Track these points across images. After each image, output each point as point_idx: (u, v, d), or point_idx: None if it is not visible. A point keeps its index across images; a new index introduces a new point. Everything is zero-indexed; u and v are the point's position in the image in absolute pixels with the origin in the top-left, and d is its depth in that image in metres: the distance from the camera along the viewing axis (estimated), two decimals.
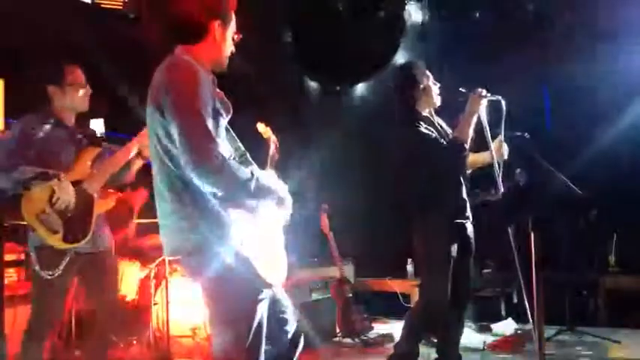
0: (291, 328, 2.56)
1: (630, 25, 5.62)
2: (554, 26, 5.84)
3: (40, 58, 4.95)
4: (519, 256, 3.35)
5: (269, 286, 2.38)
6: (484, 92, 3.60)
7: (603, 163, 5.60)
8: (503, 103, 3.53)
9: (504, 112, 3.53)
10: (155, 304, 4.73)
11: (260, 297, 2.35)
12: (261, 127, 2.97)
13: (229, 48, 2.50)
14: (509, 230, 3.34)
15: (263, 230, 2.43)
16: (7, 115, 4.70)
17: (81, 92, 3.38)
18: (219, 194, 2.26)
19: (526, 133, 3.78)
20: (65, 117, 3.39)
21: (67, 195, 3.18)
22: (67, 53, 5.01)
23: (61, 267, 3.20)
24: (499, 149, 3.71)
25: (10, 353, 3.76)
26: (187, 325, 4.75)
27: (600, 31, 5.66)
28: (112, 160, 3.38)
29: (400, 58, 6.77)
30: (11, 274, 4.29)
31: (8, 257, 4.21)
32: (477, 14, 6.30)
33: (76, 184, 3.26)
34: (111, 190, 3.58)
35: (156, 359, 4.50)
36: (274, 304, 2.49)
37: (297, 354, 2.58)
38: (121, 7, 5.53)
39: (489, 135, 3.67)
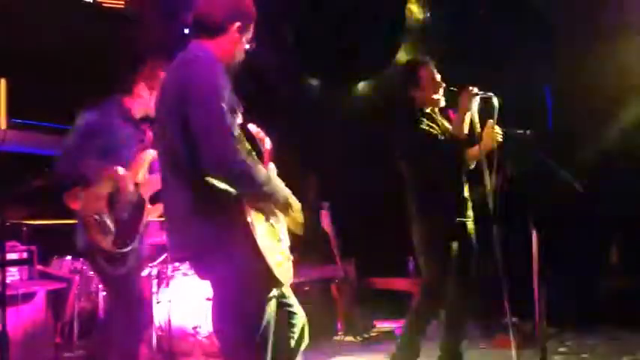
0: (298, 322, 2.59)
1: (633, 21, 5.62)
2: (557, 23, 5.83)
3: (42, 57, 4.98)
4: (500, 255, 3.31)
5: (281, 285, 2.40)
6: (475, 90, 3.60)
7: (606, 161, 5.59)
8: (494, 99, 3.52)
9: (496, 109, 3.51)
10: (158, 302, 4.74)
11: (270, 295, 2.37)
12: (252, 127, 2.90)
13: (241, 55, 2.52)
14: (494, 228, 3.30)
15: (273, 230, 2.46)
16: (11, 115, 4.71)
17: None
18: (236, 192, 2.27)
19: (528, 131, 3.77)
20: (136, 114, 3.35)
21: (128, 195, 3.13)
22: (68, 52, 5.04)
23: (128, 264, 3.14)
24: (491, 134, 3.64)
25: (12, 352, 3.76)
26: (189, 323, 4.75)
27: (603, 29, 5.65)
28: None
29: (402, 56, 6.76)
30: (13, 273, 4.29)
31: (10, 256, 4.21)
32: (479, 12, 6.29)
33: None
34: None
35: (158, 357, 4.51)
36: (281, 298, 2.51)
37: (303, 348, 2.61)
38: (122, 6, 5.53)
39: (480, 131, 3.66)
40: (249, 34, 2.52)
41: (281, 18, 6.48)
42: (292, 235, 2.62)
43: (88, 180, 3.08)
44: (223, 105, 2.22)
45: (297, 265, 2.58)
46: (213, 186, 2.26)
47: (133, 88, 3.33)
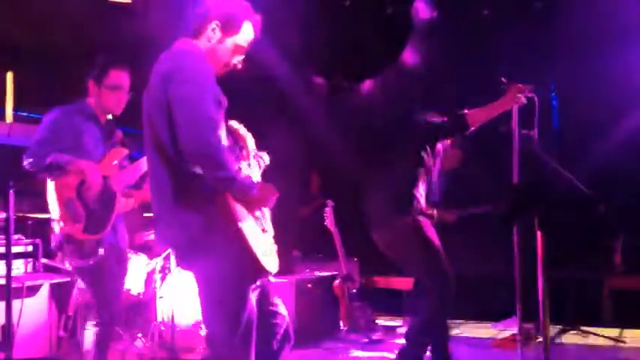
0: (281, 321, 2.58)
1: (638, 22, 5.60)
2: (561, 23, 5.82)
3: (46, 51, 4.99)
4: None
5: (268, 273, 2.40)
6: (523, 87, 3.48)
7: (610, 161, 5.58)
8: (536, 99, 3.44)
9: (537, 109, 3.44)
10: (160, 297, 4.76)
11: (252, 286, 2.39)
12: (234, 123, 2.86)
13: (228, 58, 2.49)
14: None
15: (257, 221, 2.46)
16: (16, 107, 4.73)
17: (117, 97, 3.35)
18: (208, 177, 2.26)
19: (532, 132, 3.77)
20: (98, 114, 3.40)
21: (96, 186, 3.20)
22: (74, 47, 5.05)
23: (97, 255, 3.18)
24: (515, 96, 3.52)
25: (16, 344, 3.78)
26: (192, 318, 4.76)
27: (607, 29, 5.64)
28: (139, 163, 3.40)
29: (406, 55, 6.76)
30: (18, 267, 4.31)
31: (15, 249, 4.22)
32: (484, 12, 6.28)
33: (102, 179, 3.26)
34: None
35: (161, 352, 4.52)
36: (263, 297, 2.52)
37: (289, 347, 2.59)
38: (129, 1, 5.53)
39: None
40: (240, 40, 2.48)
41: (284, 17, 6.49)
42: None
43: (56, 172, 3.17)
44: (207, 96, 2.25)
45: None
46: (198, 175, 2.27)
47: (88, 89, 3.39)
